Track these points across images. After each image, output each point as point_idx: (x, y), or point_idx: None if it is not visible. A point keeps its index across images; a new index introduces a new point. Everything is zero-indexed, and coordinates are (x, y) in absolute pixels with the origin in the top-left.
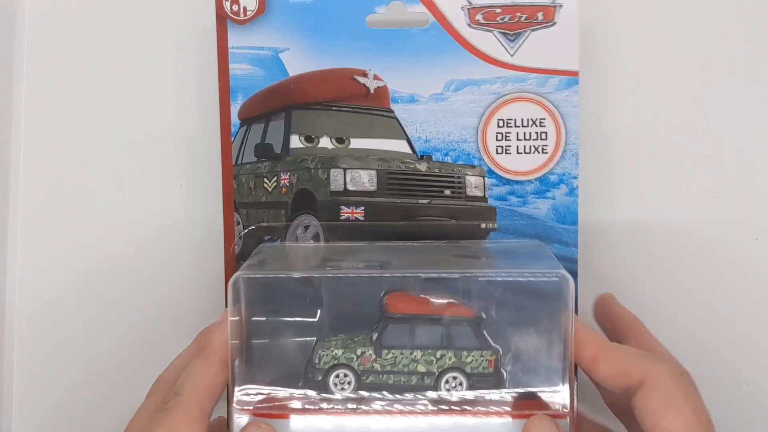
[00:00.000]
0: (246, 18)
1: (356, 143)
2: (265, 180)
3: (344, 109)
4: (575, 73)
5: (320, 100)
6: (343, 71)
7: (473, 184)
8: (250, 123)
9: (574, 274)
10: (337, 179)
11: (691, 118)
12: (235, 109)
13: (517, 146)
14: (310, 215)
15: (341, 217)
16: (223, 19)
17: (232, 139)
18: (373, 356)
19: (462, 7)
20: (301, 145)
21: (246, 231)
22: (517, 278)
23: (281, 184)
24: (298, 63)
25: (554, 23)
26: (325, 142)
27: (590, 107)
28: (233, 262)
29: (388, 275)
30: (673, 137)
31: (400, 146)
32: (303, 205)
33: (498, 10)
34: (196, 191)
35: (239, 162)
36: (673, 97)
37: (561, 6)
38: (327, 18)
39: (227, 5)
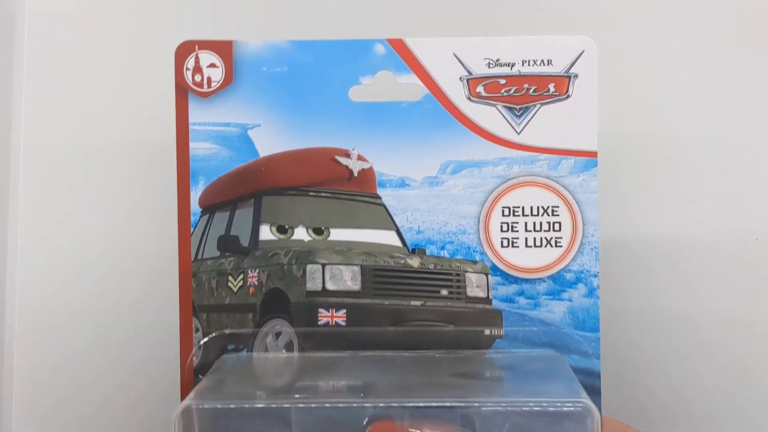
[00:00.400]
0: (210, 90)
1: (337, 234)
2: (230, 278)
3: (323, 194)
4: (594, 154)
5: (295, 184)
6: (323, 151)
7: (475, 282)
8: (212, 211)
9: (597, 392)
10: (314, 277)
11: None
12: (195, 196)
13: (526, 238)
14: (283, 320)
15: (319, 322)
16: (183, 91)
17: (192, 230)
18: None
19: (460, 78)
20: (272, 237)
21: (206, 339)
22: (530, 408)
23: (249, 283)
24: (270, 141)
25: (568, 96)
26: (301, 234)
27: (611, 193)
28: (191, 377)
29: (370, 405)
30: (709, 236)
31: (389, 238)
32: (274, 308)
33: (502, 81)
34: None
35: (199, 257)
36: (706, 190)
37: (576, 77)
38: (304, 90)
39: (188, 75)
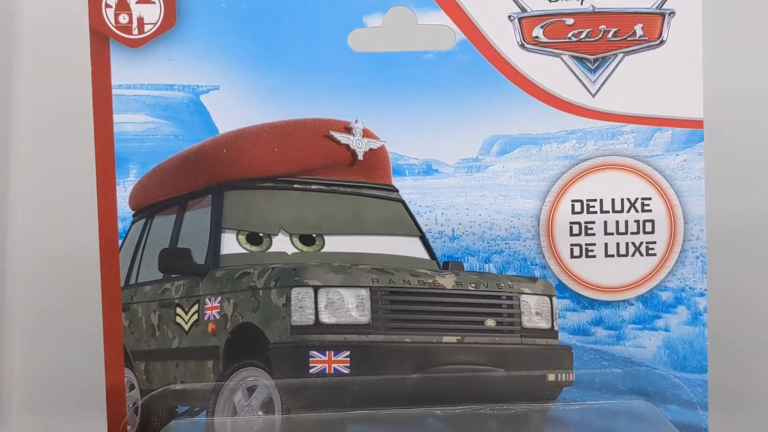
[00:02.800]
0: (143, 36)
1: (335, 244)
2: (179, 311)
3: (314, 186)
4: (698, 124)
5: (273, 173)
6: (312, 124)
7: (533, 308)
8: (150, 215)
9: None
10: (303, 305)
11: None
12: (124, 193)
13: (606, 244)
14: (258, 368)
15: (311, 370)
16: (102, 39)
17: (120, 242)
18: None
19: (510, 16)
20: (240, 250)
21: (145, 399)
22: None
23: (207, 317)
24: (234, 111)
25: (662, 41)
26: (283, 244)
27: (723, 178)
28: None
29: None
30: None
31: (410, 247)
32: (245, 352)
33: (570, 21)
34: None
35: (132, 282)
36: None
37: (673, 14)
38: (284, 35)
39: (109, 15)
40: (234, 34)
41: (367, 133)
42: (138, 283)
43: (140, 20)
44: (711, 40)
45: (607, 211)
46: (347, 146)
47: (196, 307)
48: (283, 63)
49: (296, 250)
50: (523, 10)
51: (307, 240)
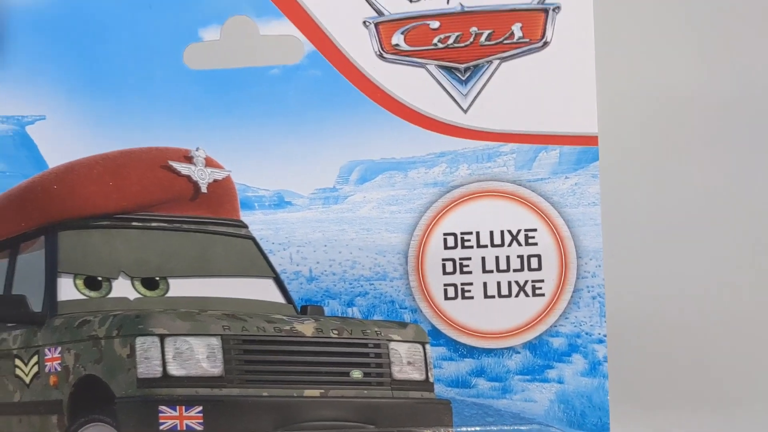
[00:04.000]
0: None
1: (180, 287)
2: (18, 362)
3: (154, 224)
4: (592, 140)
5: (109, 209)
6: (149, 154)
7: (404, 357)
8: None
9: None
10: (148, 356)
11: None
12: None
13: (485, 283)
14: (105, 423)
15: (162, 426)
16: None
17: None
18: None
19: (365, 23)
20: (79, 296)
21: None
22: None
23: (48, 369)
24: (63, 142)
25: (545, 43)
26: (124, 288)
27: (622, 203)
28: None
29: None
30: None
31: (263, 290)
32: (90, 406)
33: (435, 25)
34: None
35: None
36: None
37: (558, 9)
38: (114, 53)
39: None
40: (58, 57)
41: (210, 162)
42: None
43: None
44: (604, 40)
45: (485, 245)
46: (188, 177)
47: (36, 359)
48: (113, 86)
49: (139, 295)
50: (380, 13)
51: (150, 283)
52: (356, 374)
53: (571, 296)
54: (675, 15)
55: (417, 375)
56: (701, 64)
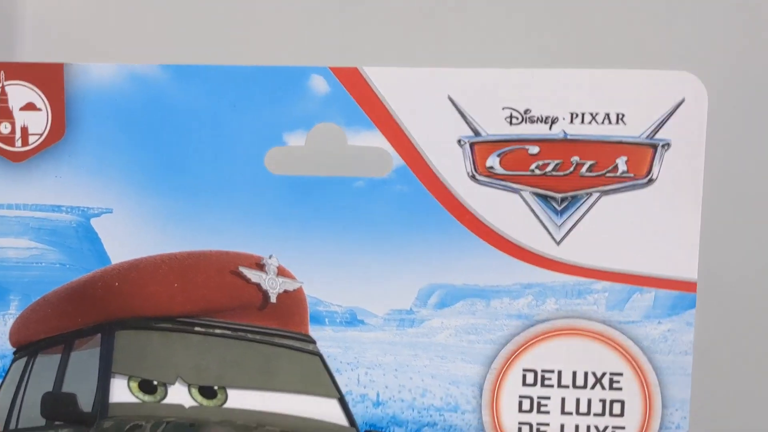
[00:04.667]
0: (27, 148)
1: (239, 399)
2: None
3: (218, 331)
4: (691, 286)
5: (171, 312)
6: (219, 257)
7: None
8: (32, 353)
9: None
10: None
11: None
12: (4, 328)
13: (563, 426)
14: None
15: None
16: None
17: None
18: None
19: (460, 141)
20: (132, 399)
21: None
22: None
23: None
24: (128, 238)
25: (651, 180)
26: (180, 395)
27: (715, 355)
28: None
29: None
30: None
31: (326, 410)
32: None
33: (534, 150)
34: None
35: (12, 427)
36: None
37: (668, 146)
38: (189, 152)
39: None
40: (131, 149)
41: (282, 272)
42: (18, 429)
43: (24, 130)
44: (714, 182)
45: (567, 386)
46: (258, 286)
47: None
48: (187, 184)
49: (195, 404)
50: (477, 133)
51: (207, 392)
52: None
53: None
54: None
55: None
56: None
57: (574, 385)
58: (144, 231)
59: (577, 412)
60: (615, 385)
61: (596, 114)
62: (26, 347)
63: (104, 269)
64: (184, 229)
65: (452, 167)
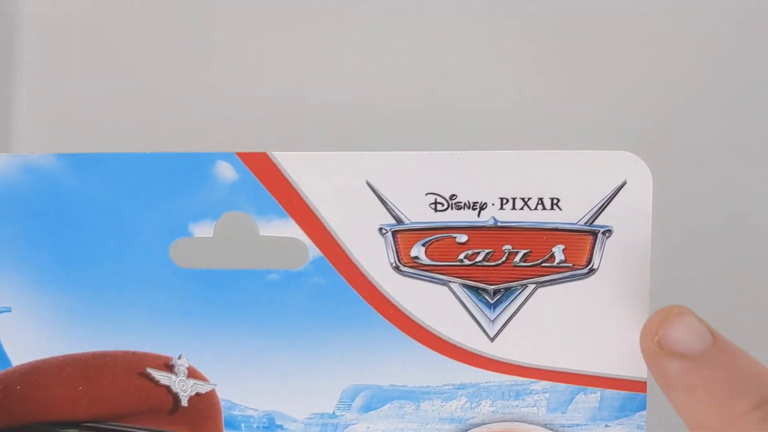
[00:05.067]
0: None
1: None
2: None
3: None
4: (641, 386)
5: (77, 416)
6: (125, 358)
7: None
8: None
9: None
10: None
11: None
12: None
13: None
14: None
15: None
16: None
17: None
18: None
19: (381, 229)
20: None
21: None
22: None
23: None
24: (28, 338)
25: (592, 270)
26: None
27: None
28: None
29: None
30: None
31: None
32: None
33: (462, 239)
34: None
35: None
36: None
37: (610, 234)
38: (90, 246)
39: None
40: (28, 244)
41: (193, 373)
42: None
43: None
44: (662, 270)
45: None
46: (168, 388)
47: None
48: (89, 280)
49: None
50: (399, 221)
51: None
52: None
53: None
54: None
55: None
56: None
57: None
58: (45, 330)
59: None
60: None
61: (528, 199)
62: None
63: (4, 372)
64: (87, 328)
65: (374, 258)
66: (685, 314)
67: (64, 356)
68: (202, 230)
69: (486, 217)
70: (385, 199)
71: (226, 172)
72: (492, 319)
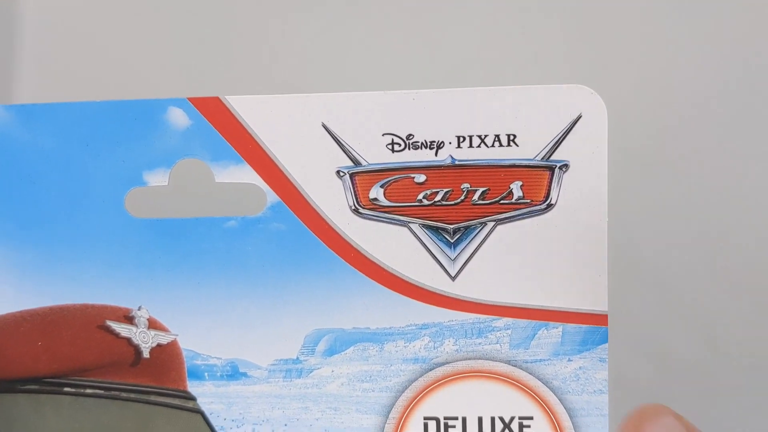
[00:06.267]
0: None
1: None
2: None
3: (88, 390)
4: (602, 319)
5: (38, 373)
6: (84, 311)
7: None
8: None
9: None
10: None
11: None
12: None
13: None
14: None
15: None
16: None
17: None
18: None
19: (339, 172)
20: None
21: None
22: None
23: None
24: None
25: (550, 205)
26: None
27: (631, 392)
28: None
29: None
30: None
31: None
32: None
33: (420, 179)
34: None
35: None
36: None
37: (566, 167)
38: (39, 197)
39: None
40: None
41: (153, 324)
42: None
43: None
44: (619, 204)
45: None
46: (129, 340)
47: None
48: (42, 234)
49: None
50: (357, 163)
51: None
52: None
53: None
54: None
55: None
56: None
57: None
58: (3, 288)
59: None
60: (525, 430)
61: (485, 136)
62: None
63: None
64: (43, 283)
65: (332, 201)
66: (662, 414)
67: (21, 312)
68: (157, 179)
69: (443, 156)
70: (341, 141)
71: (178, 118)
72: (452, 258)
